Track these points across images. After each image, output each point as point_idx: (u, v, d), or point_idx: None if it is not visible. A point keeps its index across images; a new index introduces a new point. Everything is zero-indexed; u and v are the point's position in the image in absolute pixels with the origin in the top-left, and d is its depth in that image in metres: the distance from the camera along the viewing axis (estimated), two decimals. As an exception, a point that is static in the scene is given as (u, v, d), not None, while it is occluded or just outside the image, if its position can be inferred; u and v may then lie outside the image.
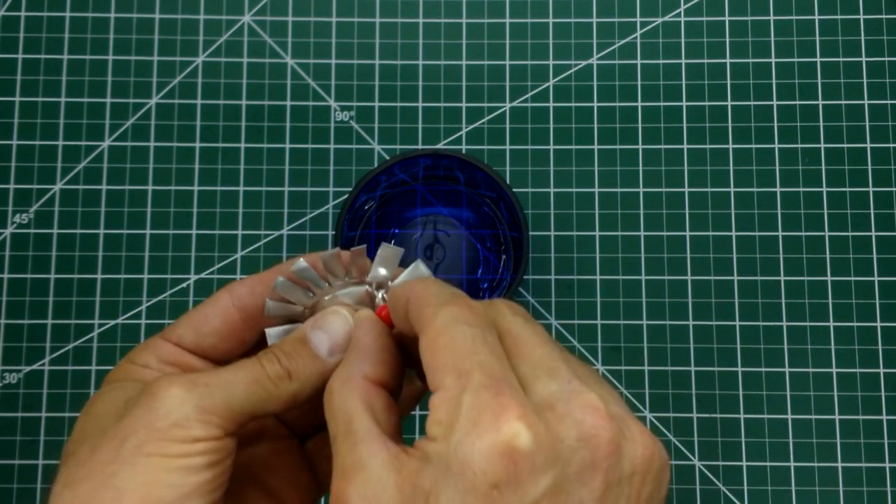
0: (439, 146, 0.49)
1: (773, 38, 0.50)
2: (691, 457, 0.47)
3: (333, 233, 0.49)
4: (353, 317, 0.28)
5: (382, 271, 0.29)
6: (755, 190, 0.49)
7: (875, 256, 0.48)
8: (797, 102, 0.50)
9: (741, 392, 0.47)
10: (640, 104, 0.50)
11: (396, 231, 0.48)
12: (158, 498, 0.23)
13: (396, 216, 0.48)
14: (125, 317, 0.48)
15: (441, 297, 0.24)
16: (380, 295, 0.29)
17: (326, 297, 0.29)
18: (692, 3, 0.51)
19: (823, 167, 0.49)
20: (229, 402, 0.25)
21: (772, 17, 0.51)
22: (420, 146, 0.49)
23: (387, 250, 0.29)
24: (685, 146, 0.49)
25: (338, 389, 0.25)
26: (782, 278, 0.48)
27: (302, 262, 0.28)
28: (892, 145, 0.49)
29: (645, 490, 0.22)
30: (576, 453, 0.21)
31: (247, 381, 0.25)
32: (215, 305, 0.29)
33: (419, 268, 0.29)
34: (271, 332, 0.28)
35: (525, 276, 0.48)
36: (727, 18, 0.51)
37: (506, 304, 0.25)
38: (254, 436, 0.29)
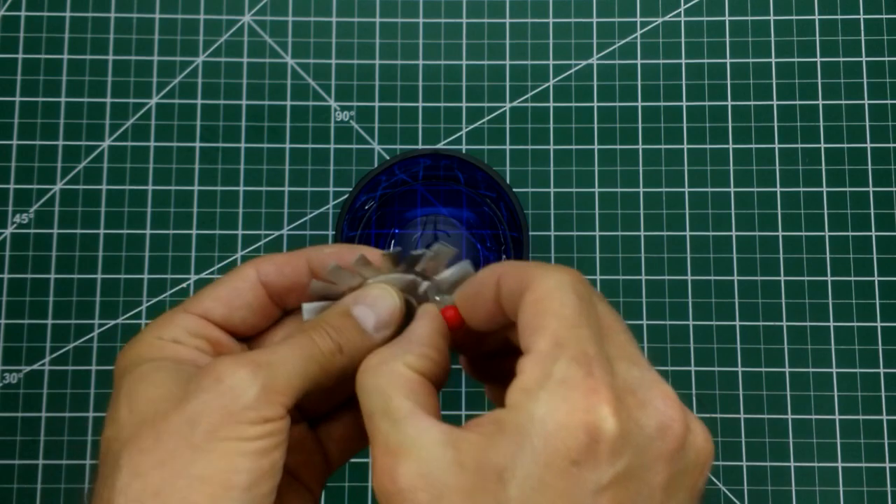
0: (439, 146, 0.49)
1: (773, 38, 0.50)
2: (691, 457, 0.47)
3: (333, 233, 0.49)
4: (399, 298, 0.27)
5: (444, 272, 0.28)
6: (755, 190, 0.49)
7: (875, 256, 0.48)
8: (797, 102, 0.50)
9: (741, 392, 0.47)
10: (640, 104, 0.50)
11: (397, 231, 0.48)
12: (236, 483, 0.22)
13: (396, 216, 0.48)
14: (125, 317, 0.48)
15: (548, 266, 0.24)
16: (422, 287, 0.28)
17: (370, 281, 0.28)
18: (692, 2, 0.51)
19: (823, 167, 0.49)
20: (290, 379, 0.24)
21: (772, 17, 0.51)
22: (420, 146, 0.49)
23: (442, 249, 0.28)
24: (685, 146, 0.49)
25: (374, 367, 0.24)
26: (782, 278, 0.48)
27: (360, 256, 0.28)
28: (892, 145, 0.49)
29: (700, 482, 0.23)
30: (652, 442, 0.22)
31: (304, 357, 0.25)
32: (244, 280, 0.28)
33: (467, 267, 0.28)
34: (307, 308, 0.28)
35: (525, 276, 0.48)
36: (727, 18, 0.51)
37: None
38: None
